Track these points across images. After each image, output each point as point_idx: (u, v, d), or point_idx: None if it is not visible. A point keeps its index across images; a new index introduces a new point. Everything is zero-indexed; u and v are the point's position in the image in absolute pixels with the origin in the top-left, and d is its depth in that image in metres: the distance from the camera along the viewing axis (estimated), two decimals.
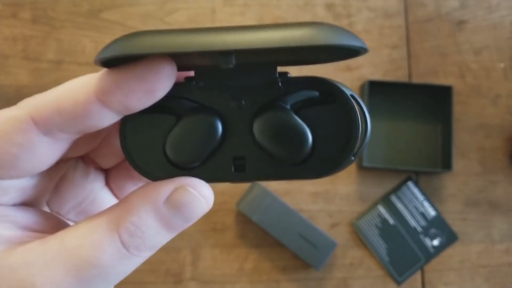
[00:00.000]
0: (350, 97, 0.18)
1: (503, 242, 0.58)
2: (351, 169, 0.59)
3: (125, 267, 0.16)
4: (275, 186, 0.57)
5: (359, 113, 0.18)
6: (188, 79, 0.18)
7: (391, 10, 0.62)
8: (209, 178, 0.17)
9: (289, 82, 0.18)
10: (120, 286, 0.65)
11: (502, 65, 0.62)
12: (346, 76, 0.60)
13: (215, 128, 0.17)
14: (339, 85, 0.18)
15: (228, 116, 0.18)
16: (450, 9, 0.63)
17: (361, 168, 0.58)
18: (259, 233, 0.57)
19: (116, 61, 0.16)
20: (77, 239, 0.16)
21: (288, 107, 0.18)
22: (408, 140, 0.60)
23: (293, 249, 0.54)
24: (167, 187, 0.17)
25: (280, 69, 0.18)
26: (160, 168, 0.18)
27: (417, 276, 0.58)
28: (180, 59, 0.16)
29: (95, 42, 0.60)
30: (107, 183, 0.22)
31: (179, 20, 0.61)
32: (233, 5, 0.62)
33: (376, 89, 0.59)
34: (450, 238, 0.58)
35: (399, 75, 0.61)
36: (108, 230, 0.16)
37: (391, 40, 0.62)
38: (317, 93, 0.18)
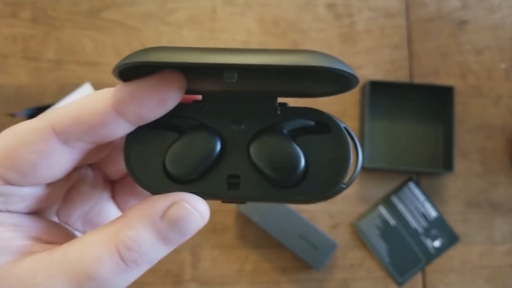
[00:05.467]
0: (343, 129, 0.19)
1: (504, 243, 0.58)
2: (352, 169, 0.59)
3: (123, 280, 0.17)
4: None
5: (351, 144, 0.19)
6: (195, 101, 0.19)
7: (393, 10, 0.62)
8: (203, 194, 0.18)
9: (288, 111, 0.19)
10: None
11: (503, 65, 0.61)
12: None
13: (212, 145, 0.18)
14: (334, 117, 0.19)
15: (227, 137, 0.19)
16: (452, 9, 0.62)
17: (362, 168, 0.58)
18: (259, 233, 0.56)
19: (131, 74, 0.17)
20: (79, 252, 0.17)
21: (285, 132, 0.19)
22: (409, 141, 0.60)
23: (294, 250, 0.54)
24: (164, 202, 0.17)
25: (280, 100, 0.19)
26: (157, 181, 0.19)
27: (418, 277, 0.57)
28: (189, 79, 0.18)
29: (95, 42, 0.60)
30: (113, 197, 0.23)
31: (179, 19, 0.61)
32: (234, 4, 0.62)
33: (377, 89, 0.58)
34: (451, 239, 0.58)
35: (400, 75, 0.61)
36: (107, 244, 0.17)
37: (392, 40, 0.61)
38: (313, 123, 0.19)
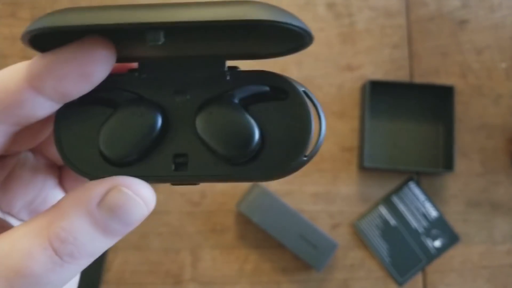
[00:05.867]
0: (303, 93, 0.17)
1: (505, 243, 0.58)
2: (352, 169, 0.59)
3: (60, 276, 0.15)
4: (275, 187, 0.57)
5: (313, 111, 0.17)
6: (131, 70, 0.17)
7: (393, 9, 0.62)
8: (147, 177, 0.16)
9: (239, 76, 0.17)
10: (119, 287, 0.65)
11: (504, 65, 0.61)
12: (347, 76, 0.60)
13: (152, 121, 0.16)
14: (291, 80, 0.17)
15: (171, 110, 0.17)
16: (452, 8, 0.62)
17: (362, 168, 0.58)
18: (260, 234, 0.56)
19: (48, 43, 0.15)
20: (8, 246, 0.15)
21: (236, 101, 0.16)
22: (409, 141, 0.60)
23: (294, 250, 0.54)
24: (100, 188, 0.15)
25: (230, 64, 0.17)
26: (94, 164, 0.16)
27: (419, 277, 0.57)
28: (121, 45, 0.15)
29: None
30: (61, 183, 0.21)
31: None
32: None
33: (377, 89, 0.58)
34: (451, 239, 0.58)
35: (400, 75, 0.61)
36: (39, 236, 0.15)
37: (393, 40, 0.61)
38: (267, 88, 0.17)
